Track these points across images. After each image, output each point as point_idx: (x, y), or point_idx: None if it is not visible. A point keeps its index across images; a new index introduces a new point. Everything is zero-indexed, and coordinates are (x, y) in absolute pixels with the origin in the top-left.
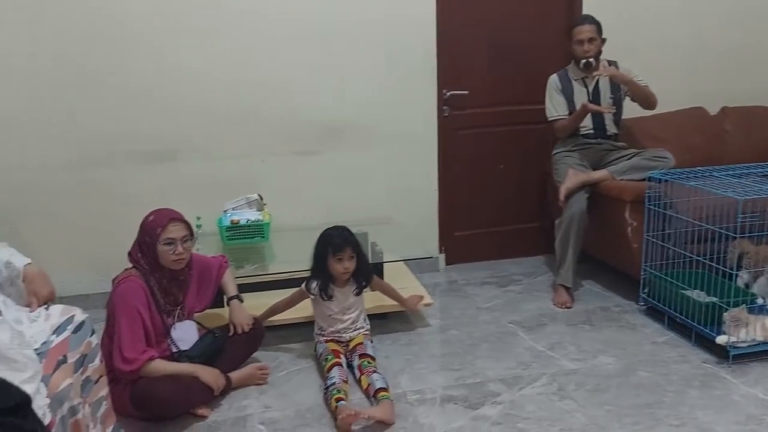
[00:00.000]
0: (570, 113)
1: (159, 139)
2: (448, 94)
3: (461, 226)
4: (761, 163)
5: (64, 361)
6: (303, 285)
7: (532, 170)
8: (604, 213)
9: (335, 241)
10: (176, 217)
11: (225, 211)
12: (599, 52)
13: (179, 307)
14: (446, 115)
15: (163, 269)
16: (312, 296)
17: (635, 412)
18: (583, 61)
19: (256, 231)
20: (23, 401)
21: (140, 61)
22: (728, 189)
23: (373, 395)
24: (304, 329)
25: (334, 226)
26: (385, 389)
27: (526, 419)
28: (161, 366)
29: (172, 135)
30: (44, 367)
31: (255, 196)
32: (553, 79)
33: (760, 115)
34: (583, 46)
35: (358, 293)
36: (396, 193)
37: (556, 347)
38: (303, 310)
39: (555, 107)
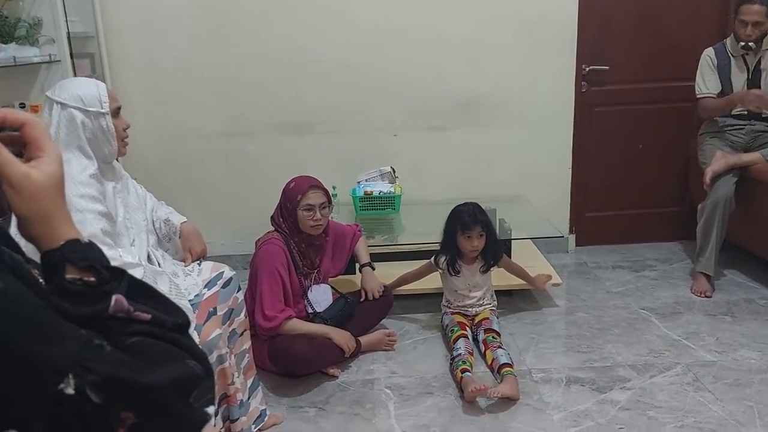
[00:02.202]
0: (722, 93)
1: (300, 112)
2: (588, 68)
3: (594, 207)
4: None
5: (214, 312)
6: (432, 259)
7: (674, 151)
8: (753, 199)
9: (465, 219)
10: (316, 185)
11: (359, 182)
12: (764, 35)
13: (315, 271)
14: (584, 90)
15: (301, 234)
16: (440, 270)
17: None
18: (742, 44)
19: (388, 203)
20: (186, 323)
21: (285, 38)
22: None
23: (497, 370)
24: (431, 300)
25: (465, 203)
26: (509, 365)
27: (657, 407)
28: (298, 325)
29: (311, 108)
30: (197, 317)
31: (388, 168)
32: (709, 53)
33: None
34: (747, 28)
35: (485, 271)
36: (528, 170)
37: (693, 337)
38: (431, 281)
39: (706, 84)
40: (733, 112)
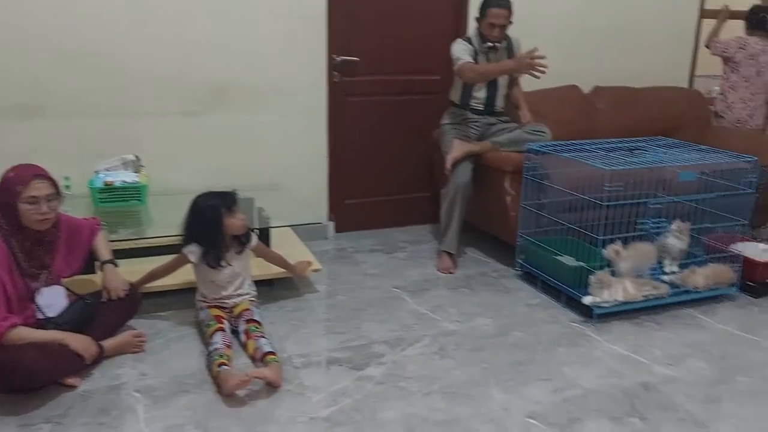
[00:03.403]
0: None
1: (24, 93)
2: (339, 59)
3: (352, 194)
4: (628, 139)
5: None
6: (182, 250)
7: (422, 141)
8: (487, 183)
9: (226, 199)
10: (40, 173)
11: (97, 171)
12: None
13: (46, 271)
14: (337, 80)
15: (25, 230)
16: (193, 262)
17: (509, 369)
18: (488, 44)
19: (132, 194)
20: None
21: None
22: (597, 161)
23: (261, 359)
24: (184, 296)
25: (204, 193)
26: (273, 353)
27: (408, 378)
28: (25, 333)
29: (38, 90)
30: None
31: (131, 156)
32: (463, 44)
33: (628, 95)
34: (495, 30)
35: (240, 252)
36: (285, 158)
37: (438, 310)
38: (184, 275)
39: (463, 55)
40: (472, 106)
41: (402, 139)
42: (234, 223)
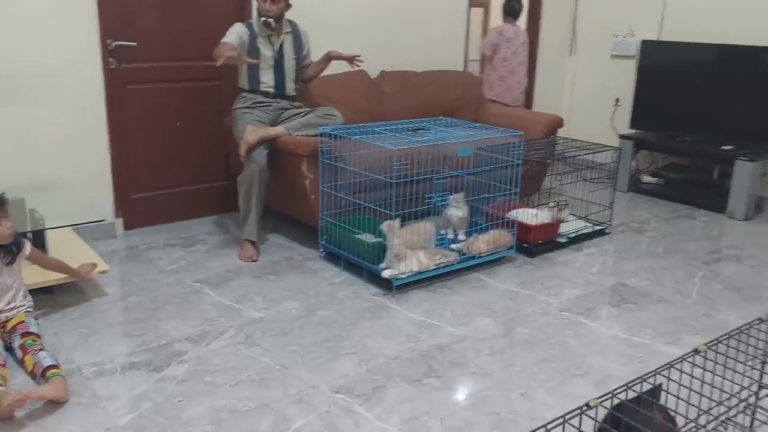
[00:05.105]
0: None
1: None
2: (114, 44)
3: (140, 188)
4: (413, 120)
5: None
6: None
7: (212, 128)
8: (284, 168)
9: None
10: None
11: None
12: (282, 15)
13: None
14: (113, 67)
15: None
16: None
17: (316, 348)
18: (263, 19)
19: None
20: None
21: None
22: (386, 142)
23: (41, 375)
24: None
25: None
26: (55, 366)
27: (213, 372)
28: None
29: None
30: None
31: None
32: (239, 26)
33: (412, 79)
34: (266, 3)
35: (11, 263)
36: (61, 153)
37: (243, 300)
38: None
39: (229, 35)
40: (262, 89)
41: (192, 127)
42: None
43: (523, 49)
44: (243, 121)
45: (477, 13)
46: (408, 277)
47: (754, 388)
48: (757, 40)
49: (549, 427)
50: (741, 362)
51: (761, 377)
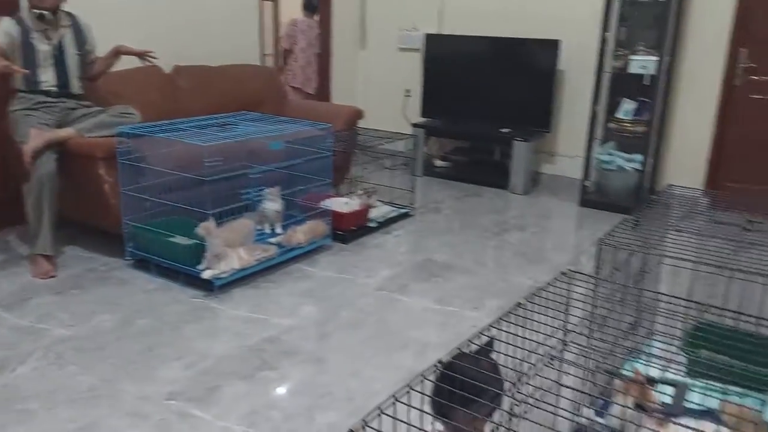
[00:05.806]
0: (31, 64)
1: None
2: None
3: None
4: (216, 115)
5: None
6: None
7: None
8: (78, 172)
9: None
10: None
11: None
12: (57, 7)
13: None
14: None
15: None
16: None
17: (139, 358)
18: (36, 12)
19: None
20: None
21: None
22: (193, 138)
23: None
24: None
25: None
26: None
27: (25, 399)
28: None
29: None
30: None
31: None
32: (6, 21)
33: (208, 73)
34: None
35: None
36: None
37: (46, 318)
38: None
39: None
40: (43, 89)
41: None
42: None
43: (317, 42)
44: (26, 124)
45: (269, 6)
46: (230, 275)
47: (561, 333)
48: (523, 32)
49: (398, 396)
50: (552, 309)
51: (566, 320)
